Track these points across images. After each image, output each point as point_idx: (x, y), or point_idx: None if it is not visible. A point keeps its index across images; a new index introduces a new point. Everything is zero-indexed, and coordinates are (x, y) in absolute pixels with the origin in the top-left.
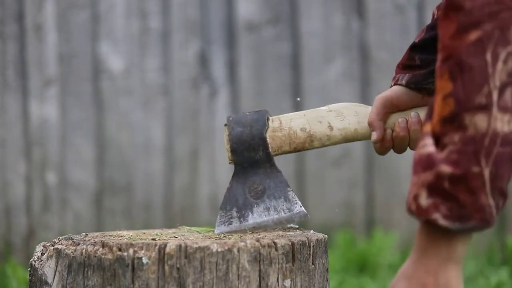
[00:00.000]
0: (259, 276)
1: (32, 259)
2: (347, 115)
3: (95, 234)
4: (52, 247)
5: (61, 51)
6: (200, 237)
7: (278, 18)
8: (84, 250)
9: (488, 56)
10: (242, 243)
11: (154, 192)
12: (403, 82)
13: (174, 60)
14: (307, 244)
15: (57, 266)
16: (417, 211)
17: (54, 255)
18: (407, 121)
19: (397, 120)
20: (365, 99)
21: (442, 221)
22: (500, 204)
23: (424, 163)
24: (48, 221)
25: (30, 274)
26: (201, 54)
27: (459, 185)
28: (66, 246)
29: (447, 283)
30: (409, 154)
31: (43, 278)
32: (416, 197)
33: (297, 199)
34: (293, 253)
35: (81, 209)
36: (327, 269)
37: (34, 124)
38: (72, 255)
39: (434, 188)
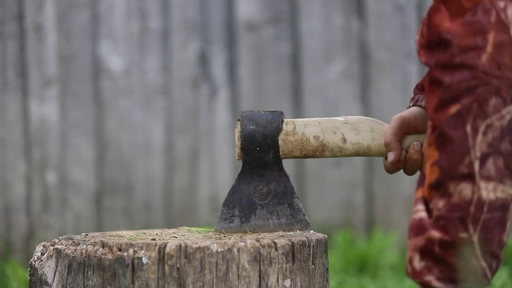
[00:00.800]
0: (259, 276)
1: (32, 259)
2: (362, 130)
3: (95, 234)
4: (52, 247)
5: (61, 51)
6: (200, 237)
7: (278, 18)
8: (84, 250)
9: (468, 128)
10: (242, 243)
11: (154, 192)
12: (423, 103)
13: (174, 60)
14: (307, 244)
15: (57, 266)
16: (412, 274)
17: (54, 255)
18: (422, 144)
19: (413, 143)
20: (365, 99)
21: (436, 283)
22: (493, 266)
23: (416, 228)
24: (48, 221)
25: (30, 274)
26: (201, 54)
27: (448, 250)
28: (66, 246)
29: None
30: None
31: (43, 278)
32: (411, 260)
33: (301, 207)
34: (293, 253)
35: (81, 209)
36: (327, 269)
37: (34, 124)
38: (72, 255)
39: (426, 252)
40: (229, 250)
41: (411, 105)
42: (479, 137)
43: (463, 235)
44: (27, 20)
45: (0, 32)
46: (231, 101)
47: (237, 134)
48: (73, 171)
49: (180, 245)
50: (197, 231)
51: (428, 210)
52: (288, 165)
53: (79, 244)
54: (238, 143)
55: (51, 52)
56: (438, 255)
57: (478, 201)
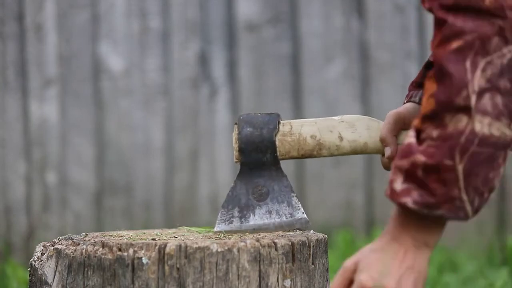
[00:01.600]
0: (259, 276)
1: (32, 259)
2: (359, 128)
3: (95, 234)
4: (52, 247)
5: (61, 51)
6: (200, 237)
7: (278, 18)
8: (84, 250)
9: (468, 64)
10: (242, 243)
11: (154, 192)
12: (417, 99)
13: (174, 60)
14: (307, 244)
15: (57, 266)
16: (390, 195)
17: (54, 255)
18: None
19: None
20: (365, 99)
21: (411, 205)
22: (476, 202)
23: (404, 152)
24: (48, 221)
25: (30, 274)
26: (201, 54)
27: (431, 175)
28: (66, 246)
29: (414, 264)
30: None
31: (43, 278)
32: (392, 182)
33: (300, 205)
34: (293, 253)
35: (81, 209)
36: (327, 269)
37: (34, 124)
38: (72, 255)
39: (409, 175)
40: (229, 250)
41: (405, 101)
42: (478, 72)
43: (448, 162)
44: (27, 20)
45: (0, 32)
46: (231, 101)
47: (234, 137)
48: (73, 171)
49: (180, 245)
50: (197, 231)
51: (419, 140)
52: (288, 165)
53: (79, 244)
54: (235, 145)
55: (51, 52)
56: (420, 178)
57: (470, 132)
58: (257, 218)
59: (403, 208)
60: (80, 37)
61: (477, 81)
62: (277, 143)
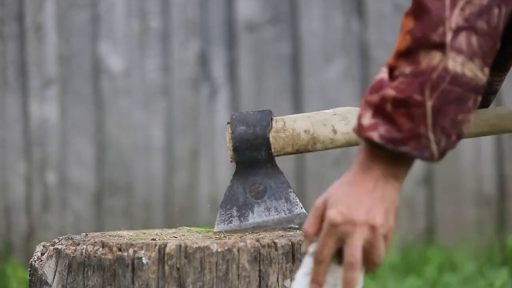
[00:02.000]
0: (259, 276)
1: (32, 259)
2: (352, 119)
3: (95, 234)
4: (52, 247)
5: (61, 51)
6: (200, 237)
7: (278, 18)
8: (84, 250)
9: (447, 1)
10: (242, 243)
11: (154, 192)
12: None
13: (174, 60)
14: None
15: (57, 266)
16: (358, 129)
17: (54, 255)
18: None
19: None
20: None
21: (377, 139)
22: (443, 144)
23: (374, 87)
24: (48, 221)
25: (30, 274)
26: (201, 54)
27: (399, 109)
28: (66, 246)
29: (384, 194)
30: None
31: (43, 278)
32: (360, 117)
33: (298, 200)
34: (293, 253)
35: (81, 209)
36: None
37: (34, 124)
38: (72, 255)
39: (378, 110)
40: (229, 250)
41: None
42: (457, 10)
43: (418, 97)
44: (27, 20)
45: (0, 32)
46: (231, 101)
47: (228, 136)
48: (73, 171)
49: (180, 245)
50: (197, 231)
51: (392, 76)
52: (288, 164)
53: (79, 244)
54: (230, 145)
55: (51, 52)
56: (389, 113)
57: (443, 69)
58: (256, 216)
59: (370, 143)
60: (80, 37)
61: (455, 18)
62: (271, 140)
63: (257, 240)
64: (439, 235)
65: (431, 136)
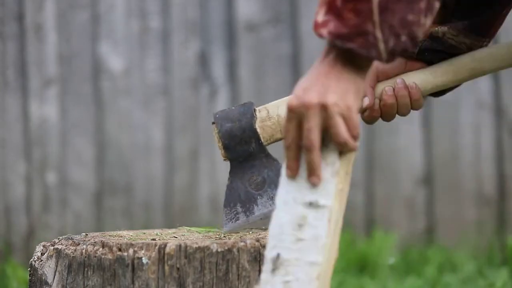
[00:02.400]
0: (259, 276)
1: (32, 259)
2: None
3: (95, 234)
4: (52, 247)
5: (61, 51)
6: (200, 237)
7: (278, 18)
8: (84, 250)
9: None
10: (242, 243)
11: (154, 192)
12: None
13: (174, 60)
14: None
15: (57, 266)
16: (314, 27)
17: (54, 255)
18: (393, 88)
19: (384, 89)
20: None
21: (326, 35)
22: (391, 44)
23: None
24: (48, 221)
25: (30, 274)
26: (201, 54)
27: (347, 4)
28: (66, 246)
29: (340, 77)
30: (408, 154)
31: (43, 278)
32: (316, 14)
33: None
34: None
35: (81, 209)
36: None
37: (34, 124)
38: (72, 255)
39: (330, 6)
40: (229, 250)
41: None
42: None
43: None
44: (27, 20)
45: (0, 32)
46: (231, 101)
47: (215, 136)
48: (73, 171)
49: (180, 245)
50: (197, 231)
51: None
52: None
53: (79, 244)
54: (219, 144)
55: (51, 52)
56: (338, 8)
57: None
58: (261, 207)
59: (320, 37)
60: (80, 37)
61: None
62: (258, 130)
63: (257, 240)
64: (439, 235)
65: (378, 34)
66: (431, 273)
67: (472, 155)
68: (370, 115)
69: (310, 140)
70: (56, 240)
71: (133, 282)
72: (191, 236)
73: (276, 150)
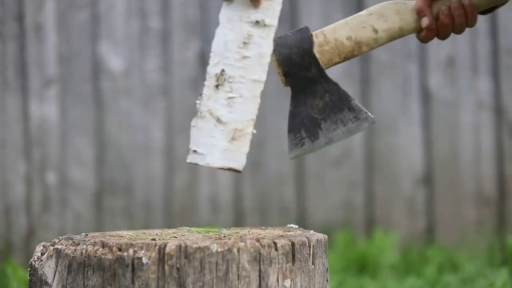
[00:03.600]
0: (259, 276)
1: (32, 259)
2: (389, 15)
3: (95, 234)
4: (52, 247)
5: (61, 51)
6: (200, 237)
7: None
8: (84, 250)
9: None
10: (242, 243)
11: (154, 192)
12: None
13: (174, 60)
14: (307, 244)
15: (57, 266)
16: None
17: (54, 255)
18: (449, 7)
19: (441, 8)
20: (365, 99)
21: None
22: None
23: None
24: (48, 221)
25: (30, 274)
26: (201, 54)
27: None
28: (66, 246)
29: None
30: (408, 154)
31: (43, 278)
32: None
33: (360, 106)
34: (293, 253)
35: (81, 209)
36: (327, 269)
37: (34, 124)
38: (72, 255)
39: None
40: (229, 250)
41: None
42: None
43: None
44: (27, 20)
45: (0, 32)
46: None
47: (274, 63)
48: (73, 171)
49: (180, 245)
50: (197, 231)
51: None
52: (288, 165)
53: (79, 244)
54: (279, 70)
55: (51, 52)
56: None
57: None
58: (325, 131)
59: None
60: (80, 37)
61: None
62: (317, 55)
63: (257, 240)
64: (439, 235)
65: None
66: (431, 273)
67: (472, 155)
68: (427, 35)
69: None
70: (56, 240)
71: (133, 282)
72: (191, 236)
73: (283, 164)
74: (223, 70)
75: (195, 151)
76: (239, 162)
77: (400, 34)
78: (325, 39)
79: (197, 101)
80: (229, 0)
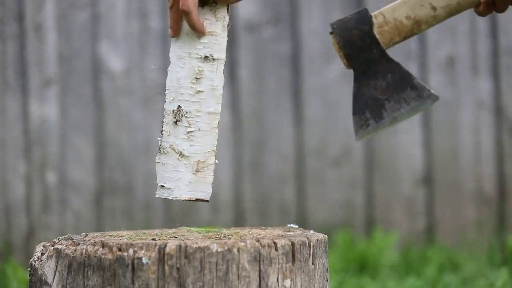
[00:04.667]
0: (259, 276)
1: (32, 259)
2: None
3: (95, 234)
4: (52, 247)
5: (61, 51)
6: (200, 237)
7: (278, 18)
8: (84, 250)
9: None
10: (242, 243)
11: (154, 192)
12: None
13: None
14: (307, 244)
15: (57, 266)
16: None
17: (54, 255)
18: None
19: None
20: None
21: None
22: None
23: None
24: (48, 221)
25: (30, 274)
26: None
27: None
28: (66, 246)
29: None
30: (408, 154)
31: (43, 278)
32: None
33: (423, 84)
34: (293, 253)
35: (81, 209)
36: (327, 269)
37: (34, 124)
38: (72, 255)
39: None
40: (229, 250)
41: None
42: None
43: None
44: (27, 20)
45: (0, 32)
46: (231, 101)
47: (335, 47)
48: (73, 171)
49: (180, 245)
50: (197, 231)
51: None
52: (288, 165)
53: (79, 244)
54: (341, 54)
55: (51, 52)
56: None
57: None
58: (389, 111)
59: None
60: (80, 37)
61: None
62: (377, 36)
63: (257, 240)
64: (439, 235)
65: None
66: (431, 273)
67: (472, 155)
68: (485, 9)
69: (187, 5)
70: (56, 240)
71: (133, 282)
72: (191, 236)
73: (284, 164)
74: (179, 106)
75: (162, 186)
76: (205, 192)
77: (458, 9)
78: (384, 20)
79: (159, 138)
80: (173, 36)
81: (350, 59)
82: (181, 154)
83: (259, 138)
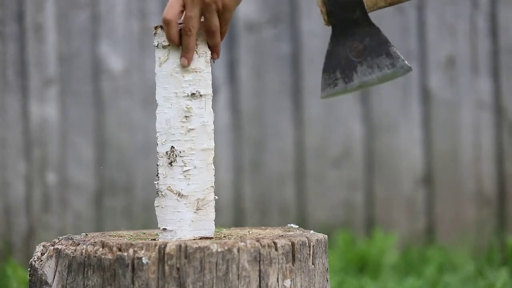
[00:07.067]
0: (259, 276)
1: (32, 259)
2: None
3: (95, 234)
4: (52, 247)
5: (61, 51)
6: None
7: (278, 18)
8: (84, 250)
9: None
10: (242, 243)
11: (154, 192)
12: None
13: None
14: (307, 244)
15: (57, 266)
16: None
17: (54, 255)
18: None
19: None
20: (364, 99)
21: None
22: None
23: None
24: (48, 221)
25: (30, 274)
26: None
27: None
28: (66, 246)
29: None
30: (408, 154)
31: (43, 278)
32: None
33: (399, 53)
34: (293, 253)
35: (81, 209)
36: (327, 269)
37: (34, 124)
38: (72, 255)
39: None
40: (229, 250)
41: None
42: None
43: None
44: (27, 20)
45: (0, 32)
46: (231, 101)
47: (319, 1)
48: (73, 171)
49: (180, 245)
50: None
51: None
52: (288, 165)
53: (79, 244)
54: (323, 9)
55: (51, 52)
56: None
57: None
58: (360, 75)
59: None
60: (80, 37)
61: None
62: None
63: (257, 240)
64: (439, 235)
65: None
66: (431, 273)
67: (472, 155)
68: None
69: (190, 27)
70: (56, 240)
71: (133, 282)
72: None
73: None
74: (172, 147)
75: (164, 229)
76: (208, 230)
77: None
78: None
79: (155, 182)
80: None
81: (331, 16)
82: (180, 194)
83: (259, 138)
